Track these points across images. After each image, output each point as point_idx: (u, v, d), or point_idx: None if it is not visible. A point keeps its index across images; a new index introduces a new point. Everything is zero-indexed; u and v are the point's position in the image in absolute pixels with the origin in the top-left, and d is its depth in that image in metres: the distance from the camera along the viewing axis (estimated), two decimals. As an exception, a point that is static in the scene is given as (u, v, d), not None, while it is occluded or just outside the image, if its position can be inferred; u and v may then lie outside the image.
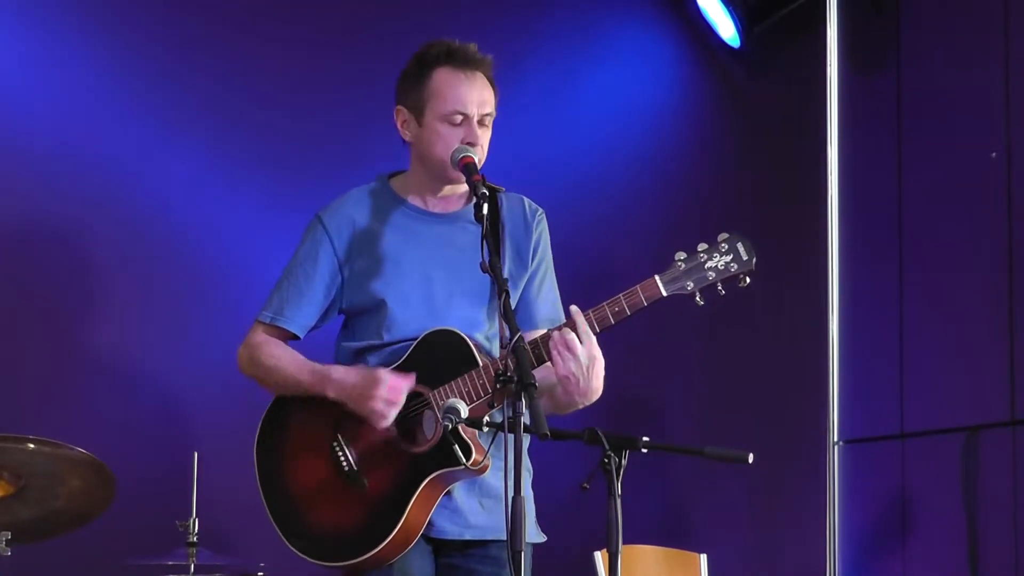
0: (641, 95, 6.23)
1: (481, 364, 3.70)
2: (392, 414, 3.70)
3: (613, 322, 3.66)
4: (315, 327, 3.92)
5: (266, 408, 3.90)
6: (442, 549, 3.82)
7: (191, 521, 4.68)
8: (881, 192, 6.07)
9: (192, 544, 4.67)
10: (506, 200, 3.92)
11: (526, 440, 3.41)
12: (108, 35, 5.33)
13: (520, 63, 5.85)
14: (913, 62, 6.03)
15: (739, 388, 6.13)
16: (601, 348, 3.66)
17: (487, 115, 3.84)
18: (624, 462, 3.23)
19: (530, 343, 3.61)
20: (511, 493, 3.19)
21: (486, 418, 3.52)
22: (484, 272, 3.52)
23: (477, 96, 3.82)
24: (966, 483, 5.65)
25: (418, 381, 3.74)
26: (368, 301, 3.84)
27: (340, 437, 3.78)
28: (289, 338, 3.89)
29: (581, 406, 3.72)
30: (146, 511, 4.90)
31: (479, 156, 3.79)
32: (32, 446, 3.87)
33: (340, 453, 3.78)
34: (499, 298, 3.46)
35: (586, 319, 3.64)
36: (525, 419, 3.25)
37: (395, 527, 3.68)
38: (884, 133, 6.08)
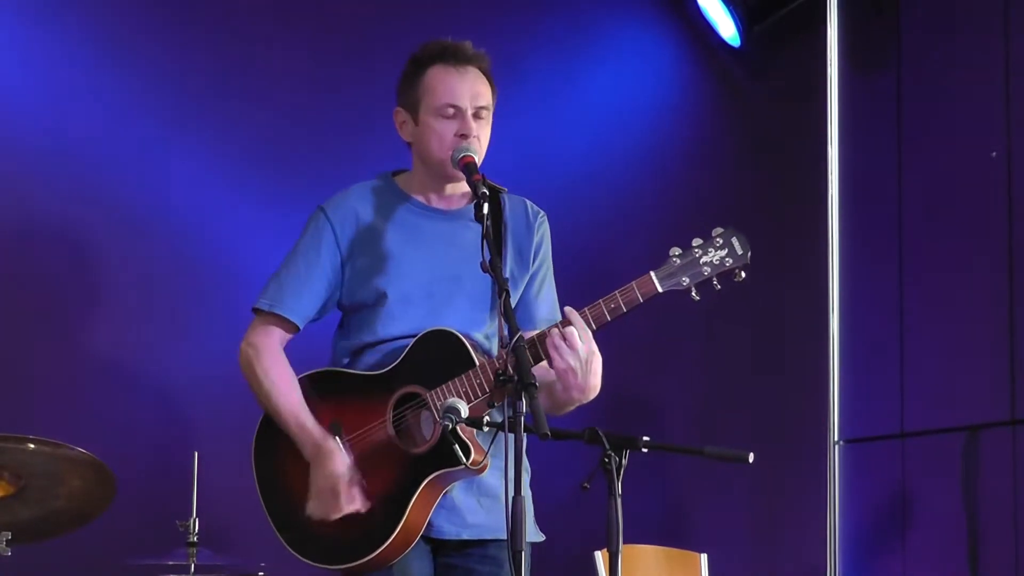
0: (641, 95, 6.22)
1: (478, 363, 3.69)
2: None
3: (609, 319, 3.65)
4: (313, 320, 3.89)
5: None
6: (440, 549, 3.81)
7: (191, 521, 4.67)
8: (881, 192, 6.06)
9: (192, 544, 4.67)
10: (509, 201, 3.91)
11: (525, 440, 3.41)
12: (108, 35, 5.33)
13: (520, 63, 5.85)
14: (913, 62, 6.03)
15: (739, 388, 6.13)
16: (601, 348, 3.66)
17: (482, 108, 3.82)
18: (624, 462, 3.23)
19: (527, 341, 3.60)
20: (511, 493, 3.19)
21: (486, 418, 3.51)
22: (484, 272, 3.52)
23: (469, 89, 3.81)
24: (966, 483, 5.65)
25: (414, 381, 3.73)
26: (369, 295, 3.82)
27: (338, 439, 3.77)
28: (289, 330, 3.86)
29: (579, 403, 3.71)
30: (146, 511, 4.90)
31: (476, 148, 3.77)
32: (32, 446, 3.87)
33: (339, 454, 3.77)
34: (499, 297, 3.46)
35: (582, 316, 3.64)
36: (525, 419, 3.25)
37: (396, 528, 3.67)
38: (884, 133, 6.07)
